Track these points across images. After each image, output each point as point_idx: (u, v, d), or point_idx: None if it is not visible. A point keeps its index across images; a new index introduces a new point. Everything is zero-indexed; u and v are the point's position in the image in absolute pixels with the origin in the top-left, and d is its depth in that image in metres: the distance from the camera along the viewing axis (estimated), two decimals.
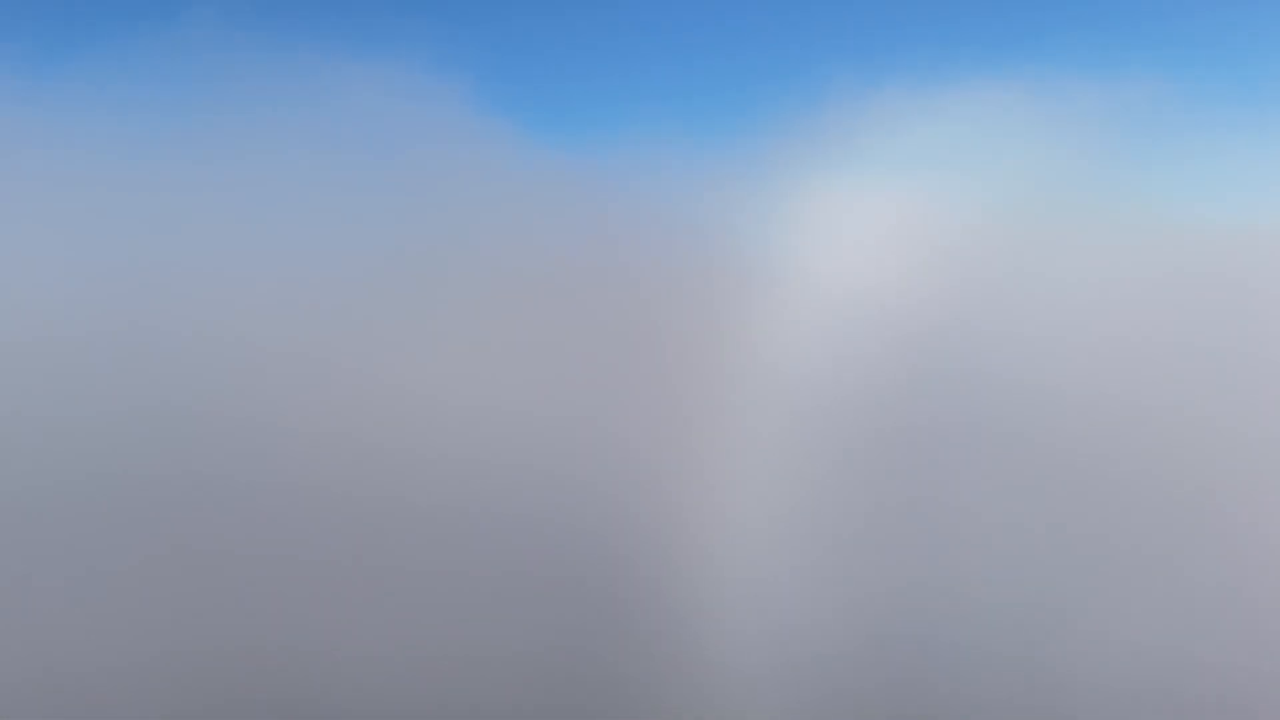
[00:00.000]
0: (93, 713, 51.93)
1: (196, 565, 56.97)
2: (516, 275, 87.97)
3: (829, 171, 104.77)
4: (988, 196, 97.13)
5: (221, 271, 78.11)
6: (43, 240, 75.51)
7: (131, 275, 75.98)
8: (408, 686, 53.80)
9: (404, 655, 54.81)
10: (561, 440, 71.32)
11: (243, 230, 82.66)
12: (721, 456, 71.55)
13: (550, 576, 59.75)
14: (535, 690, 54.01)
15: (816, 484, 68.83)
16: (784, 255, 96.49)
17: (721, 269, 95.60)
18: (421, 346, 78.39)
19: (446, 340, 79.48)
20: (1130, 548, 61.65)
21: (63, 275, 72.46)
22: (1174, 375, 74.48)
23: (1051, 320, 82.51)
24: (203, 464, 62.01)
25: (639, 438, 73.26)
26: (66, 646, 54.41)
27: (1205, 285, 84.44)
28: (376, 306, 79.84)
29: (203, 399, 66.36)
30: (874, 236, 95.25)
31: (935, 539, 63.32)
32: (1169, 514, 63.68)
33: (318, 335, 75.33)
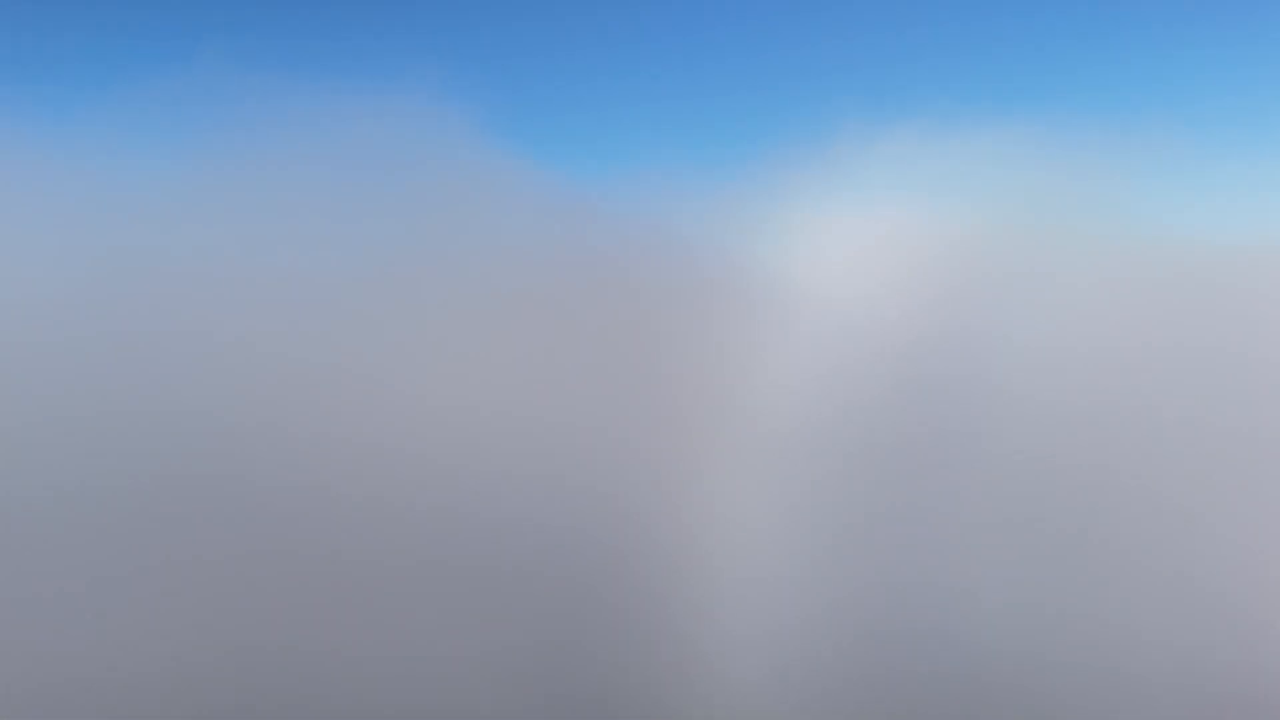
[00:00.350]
0: (98, 715, 52.30)
1: (199, 568, 57.53)
2: (521, 292, 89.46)
3: (835, 201, 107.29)
4: (987, 224, 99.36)
5: (232, 289, 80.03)
6: (66, 257, 77.93)
7: (145, 290, 77.98)
8: (409, 687, 54.17)
9: (405, 656, 55.23)
10: (564, 446, 72.24)
11: (254, 252, 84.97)
12: (721, 461, 72.37)
13: (550, 578, 60.28)
14: (535, 691, 54.39)
15: (815, 487, 69.54)
16: (786, 276, 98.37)
17: (723, 289, 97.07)
18: (427, 358, 79.66)
19: (452, 352, 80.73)
20: (1119, 547, 62.29)
21: (84, 288, 74.59)
22: (1165, 384, 75.44)
23: (1048, 335, 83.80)
24: (210, 468, 62.91)
25: (640, 443, 74.09)
26: (73, 649, 54.85)
27: (1196, 298, 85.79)
28: (383, 320, 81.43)
29: (215, 406, 67.68)
30: (875, 259, 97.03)
31: (932, 541, 63.85)
32: (1160, 515, 64.31)
33: (328, 348, 76.87)
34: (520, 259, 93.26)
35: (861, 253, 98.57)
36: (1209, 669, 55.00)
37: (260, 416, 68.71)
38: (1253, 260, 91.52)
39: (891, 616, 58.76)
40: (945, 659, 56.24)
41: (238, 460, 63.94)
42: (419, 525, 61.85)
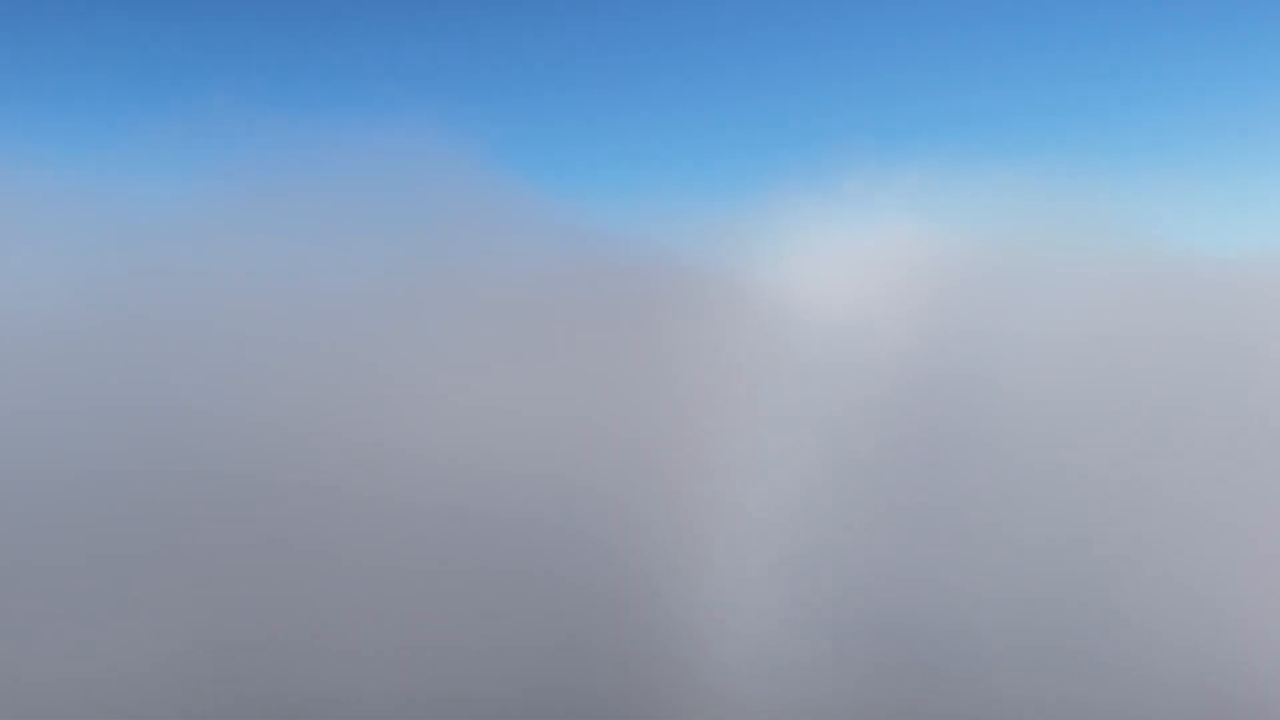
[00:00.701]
0: (100, 712, 52.64)
1: (208, 566, 58.21)
2: (527, 307, 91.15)
3: (836, 224, 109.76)
4: (983, 242, 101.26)
5: (256, 306, 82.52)
6: (104, 273, 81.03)
7: (170, 304, 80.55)
8: (411, 685, 54.56)
9: (408, 654, 55.71)
10: (570, 451, 73.26)
11: (276, 272, 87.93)
12: (724, 467, 73.12)
13: (554, 578, 60.87)
14: (538, 689, 54.75)
15: (815, 491, 70.23)
16: (786, 293, 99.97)
17: (724, 303, 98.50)
18: (436, 369, 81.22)
19: (460, 364, 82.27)
20: (1118, 550, 62.84)
21: (114, 301, 77.15)
22: (1162, 391, 76.32)
23: (1045, 345, 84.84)
24: (229, 468, 64.09)
25: (644, 449, 75.01)
26: (73, 647, 55.37)
27: (1192, 310, 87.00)
28: (395, 334, 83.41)
29: (238, 410, 69.44)
30: (878, 278, 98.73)
31: (931, 541, 64.38)
32: (1158, 518, 64.88)
33: (344, 360, 78.79)
34: (527, 277, 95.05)
35: (865, 271, 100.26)
36: (1208, 668, 55.29)
37: (283, 422, 70.24)
38: (1247, 273, 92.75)
39: (890, 615, 59.16)
40: (943, 657, 56.58)
41: (259, 462, 65.12)
42: (428, 526, 62.61)
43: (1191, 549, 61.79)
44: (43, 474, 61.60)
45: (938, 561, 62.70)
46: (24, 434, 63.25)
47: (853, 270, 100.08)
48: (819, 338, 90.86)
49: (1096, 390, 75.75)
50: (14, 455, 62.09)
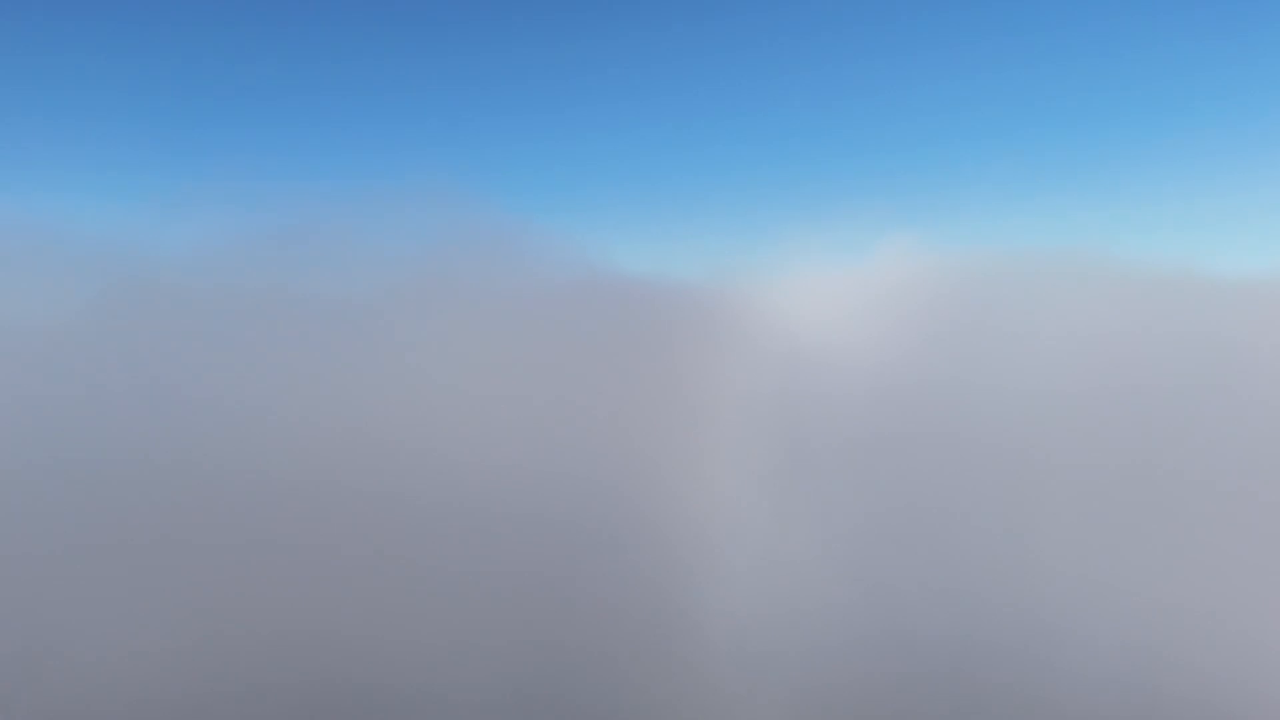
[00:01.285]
0: (114, 701, 53.61)
1: (222, 563, 59.36)
2: (539, 330, 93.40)
3: (838, 245, 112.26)
4: (983, 266, 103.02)
5: (295, 328, 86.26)
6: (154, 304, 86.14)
7: (203, 327, 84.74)
8: (419, 679, 55.35)
9: (417, 649, 56.56)
10: (579, 459, 74.65)
11: (295, 287, 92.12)
12: (726, 475, 74.14)
13: (556, 581, 61.82)
14: (543, 685, 55.47)
15: (815, 497, 71.09)
16: (786, 315, 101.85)
17: (728, 322, 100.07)
18: (444, 379, 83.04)
19: (474, 376, 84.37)
20: (1108, 558, 63.55)
21: (152, 319, 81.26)
22: (1154, 407, 77.12)
23: (1035, 358, 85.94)
24: (244, 465, 65.65)
25: (652, 458, 76.23)
26: (89, 644, 56.38)
27: (1184, 327, 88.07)
28: (408, 350, 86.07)
29: (252, 411, 71.56)
30: (873, 293, 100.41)
31: (930, 549, 65.06)
32: (1157, 524, 65.51)
33: (363, 374, 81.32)
34: (538, 304, 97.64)
35: (863, 291, 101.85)
36: (1205, 675, 55.65)
37: (310, 427, 72.62)
38: (1246, 293, 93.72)
39: (889, 621, 59.79)
40: (944, 661, 57.14)
41: (281, 464, 66.92)
42: (440, 529, 63.71)
43: (1185, 559, 62.41)
44: (94, 473, 63.35)
45: (938, 569, 63.38)
46: (70, 441, 65.64)
47: (850, 290, 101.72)
48: (817, 356, 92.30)
49: (1094, 406, 76.50)
50: (68, 460, 64.22)
